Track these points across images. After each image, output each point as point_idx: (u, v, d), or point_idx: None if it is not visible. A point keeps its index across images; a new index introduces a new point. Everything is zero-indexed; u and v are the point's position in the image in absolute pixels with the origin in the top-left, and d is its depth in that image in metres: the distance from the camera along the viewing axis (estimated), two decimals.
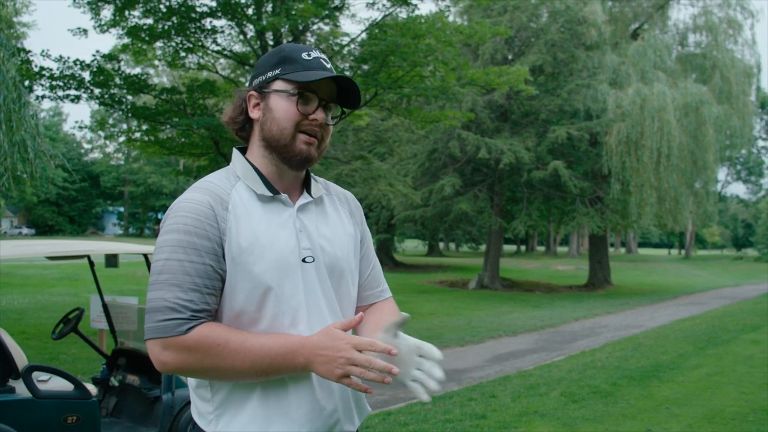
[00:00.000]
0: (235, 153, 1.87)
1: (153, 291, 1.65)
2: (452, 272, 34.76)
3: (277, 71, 1.79)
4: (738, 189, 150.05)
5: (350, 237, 1.93)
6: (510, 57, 26.08)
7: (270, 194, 1.78)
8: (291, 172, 1.84)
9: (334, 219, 1.92)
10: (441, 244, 62.46)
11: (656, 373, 8.82)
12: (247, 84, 1.92)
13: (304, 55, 1.79)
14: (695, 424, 6.31)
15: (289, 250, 1.74)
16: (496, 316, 16.84)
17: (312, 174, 1.94)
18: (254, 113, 1.83)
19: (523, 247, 72.08)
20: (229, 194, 1.75)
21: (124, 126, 32.11)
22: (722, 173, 62.88)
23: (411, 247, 65.25)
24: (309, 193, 1.87)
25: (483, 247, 46.19)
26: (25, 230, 67.86)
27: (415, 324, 14.77)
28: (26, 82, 12.91)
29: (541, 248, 73.23)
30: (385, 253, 40.35)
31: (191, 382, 1.79)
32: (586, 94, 23.40)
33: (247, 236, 1.70)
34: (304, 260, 1.76)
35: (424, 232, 48.17)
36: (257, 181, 1.80)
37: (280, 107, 1.78)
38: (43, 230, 69.66)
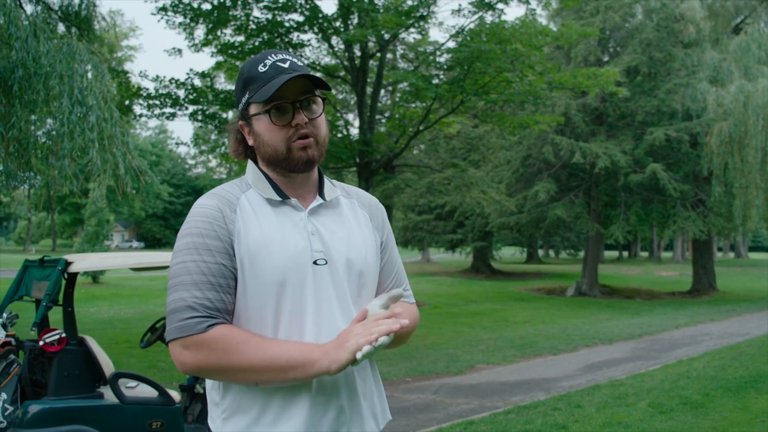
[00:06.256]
0: (249, 163, 1.93)
1: (171, 294, 1.71)
2: (550, 279, 34.16)
3: (247, 96, 1.85)
4: None
5: (369, 240, 1.94)
6: (605, 59, 25.48)
7: (279, 199, 1.84)
8: (299, 176, 1.88)
9: (351, 221, 1.93)
10: (540, 251, 61.39)
11: (755, 384, 8.39)
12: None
13: (260, 68, 1.81)
14: None
15: (299, 252, 1.77)
16: (593, 324, 16.45)
17: (327, 177, 1.98)
18: (250, 140, 1.90)
19: (625, 253, 70.00)
20: (238, 199, 1.82)
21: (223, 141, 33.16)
22: None
23: (508, 255, 64.43)
24: (322, 196, 1.91)
25: (582, 254, 45.16)
26: (135, 243, 70.66)
27: (508, 332, 14.62)
28: (126, 102, 13.59)
29: (645, 254, 70.94)
30: (482, 260, 39.97)
31: (206, 386, 1.85)
32: (685, 94, 22.55)
33: (255, 238, 1.75)
34: (315, 262, 1.79)
35: (521, 239, 47.50)
36: (267, 187, 1.85)
37: (264, 129, 1.83)
38: (152, 243, 72.32)
